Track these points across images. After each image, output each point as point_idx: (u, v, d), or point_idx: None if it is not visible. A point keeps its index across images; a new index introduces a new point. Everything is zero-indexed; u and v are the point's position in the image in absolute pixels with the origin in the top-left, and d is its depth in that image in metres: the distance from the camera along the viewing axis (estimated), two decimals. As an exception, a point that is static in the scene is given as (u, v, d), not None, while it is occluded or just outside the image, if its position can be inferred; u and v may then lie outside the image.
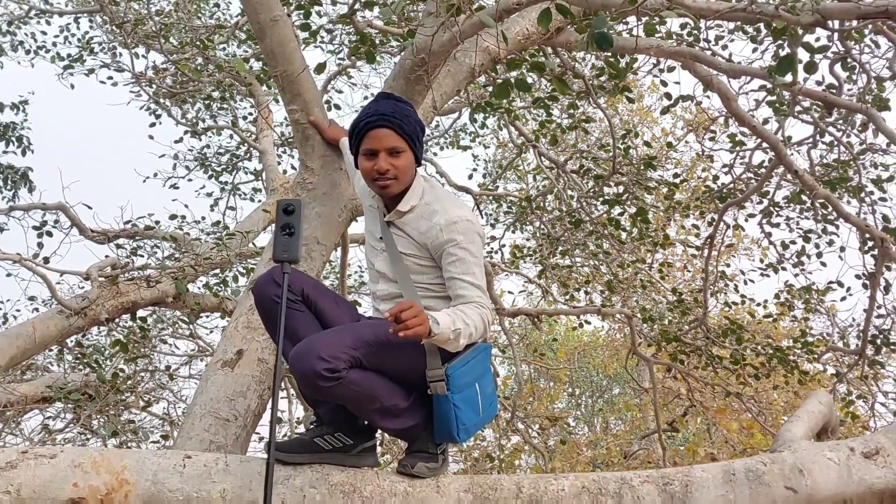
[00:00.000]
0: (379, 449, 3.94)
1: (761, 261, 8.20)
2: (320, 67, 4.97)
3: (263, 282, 2.86)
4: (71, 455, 2.69)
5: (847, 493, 2.94)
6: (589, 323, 10.42)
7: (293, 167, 9.86)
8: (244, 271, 6.95)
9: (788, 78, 4.42)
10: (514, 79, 4.03)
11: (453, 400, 2.81)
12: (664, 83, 6.42)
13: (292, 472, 2.78)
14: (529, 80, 5.98)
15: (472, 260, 2.85)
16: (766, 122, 6.25)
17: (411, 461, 2.86)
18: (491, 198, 9.90)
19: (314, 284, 2.94)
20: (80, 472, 2.65)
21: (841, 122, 6.59)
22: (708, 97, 6.72)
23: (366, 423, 2.94)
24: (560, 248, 8.47)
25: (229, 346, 3.62)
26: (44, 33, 8.91)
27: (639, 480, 2.90)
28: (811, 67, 3.97)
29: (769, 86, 5.93)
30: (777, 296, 7.57)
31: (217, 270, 7.28)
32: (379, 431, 3.02)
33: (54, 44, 8.83)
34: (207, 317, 7.74)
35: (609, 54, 5.32)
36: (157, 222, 7.16)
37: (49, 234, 6.95)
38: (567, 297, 8.86)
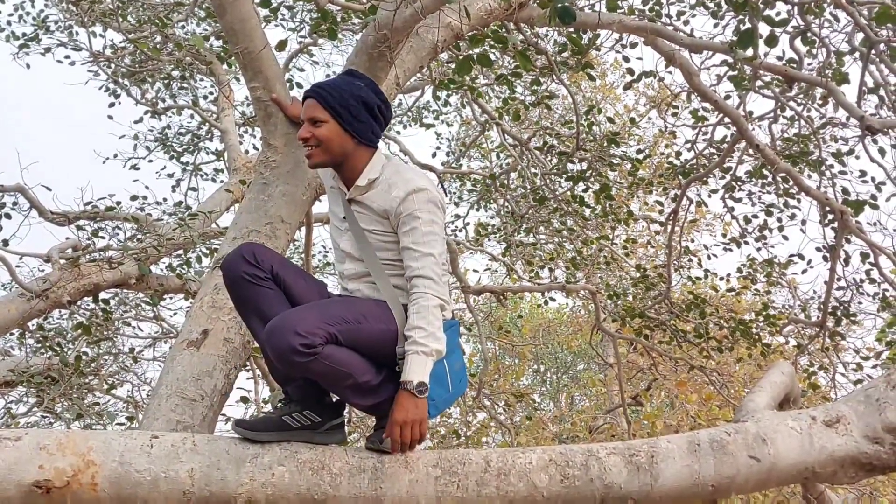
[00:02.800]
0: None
1: (724, 235, 8.29)
2: (281, 45, 4.93)
3: (232, 259, 2.85)
4: (36, 437, 2.65)
5: (808, 461, 2.99)
6: (553, 300, 10.48)
7: (255, 147, 9.79)
8: (207, 252, 6.90)
9: (749, 52, 4.46)
10: (477, 54, 4.01)
11: None
12: (626, 59, 6.43)
13: (260, 451, 2.78)
14: (492, 57, 5.96)
15: (426, 229, 2.86)
16: (727, 97, 6.29)
17: (380, 436, 2.86)
18: (455, 176, 9.90)
19: (282, 261, 2.93)
20: (46, 454, 2.62)
21: (801, 96, 6.65)
22: (670, 73, 6.77)
23: (334, 400, 2.94)
24: (524, 226, 8.49)
25: (194, 326, 3.59)
26: (-2, 12, 8.74)
27: (605, 452, 2.93)
28: (772, 41, 4.00)
29: (730, 60, 5.97)
30: (740, 269, 7.65)
31: (180, 252, 7.22)
32: (346, 409, 3.03)
33: (9, 23, 8.66)
34: (171, 298, 7.69)
35: (571, 29, 5.32)
36: (119, 203, 7.08)
37: (8, 216, 6.84)
38: (532, 274, 8.89)
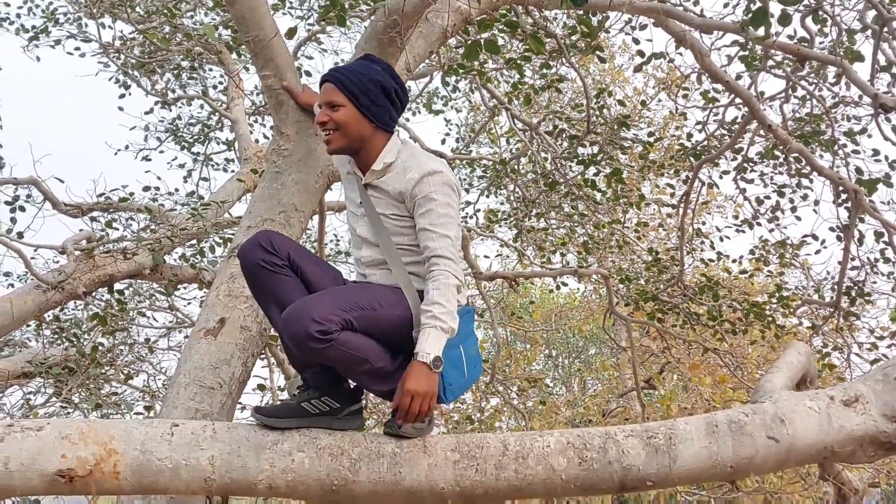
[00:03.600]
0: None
1: (735, 217, 8.26)
2: (291, 32, 4.92)
3: (249, 247, 2.87)
4: (58, 427, 2.68)
5: (827, 440, 2.99)
6: (566, 285, 10.48)
7: (265, 136, 9.81)
8: (221, 241, 6.92)
9: (762, 31, 4.44)
10: (484, 40, 4.00)
11: None
12: (636, 41, 6.40)
13: (280, 437, 2.79)
14: (500, 42, 5.95)
15: (442, 211, 2.86)
16: (738, 77, 6.26)
17: (398, 422, 2.87)
18: (464, 162, 9.88)
19: (298, 248, 2.94)
20: (68, 443, 2.64)
21: (812, 75, 6.61)
22: (680, 54, 6.75)
23: (352, 386, 2.95)
24: (535, 211, 8.48)
25: (211, 315, 3.60)
26: (7, 4, 8.73)
27: (623, 435, 2.94)
28: (784, 20, 3.98)
29: (741, 41, 5.94)
30: (752, 251, 7.63)
31: (194, 241, 7.24)
32: (364, 394, 3.04)
33: (18, 15, 8.67)
34: (185, 288, 7.71)
35: (581, 12, 5.30)
36: (132, 194, 7.10)
37: (22, 208, 6.87)
38: (543, 259, 8.88)
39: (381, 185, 2.98)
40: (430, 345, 2.76)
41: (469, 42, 4.07)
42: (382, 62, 3.06)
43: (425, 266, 2.88)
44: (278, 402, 3.08)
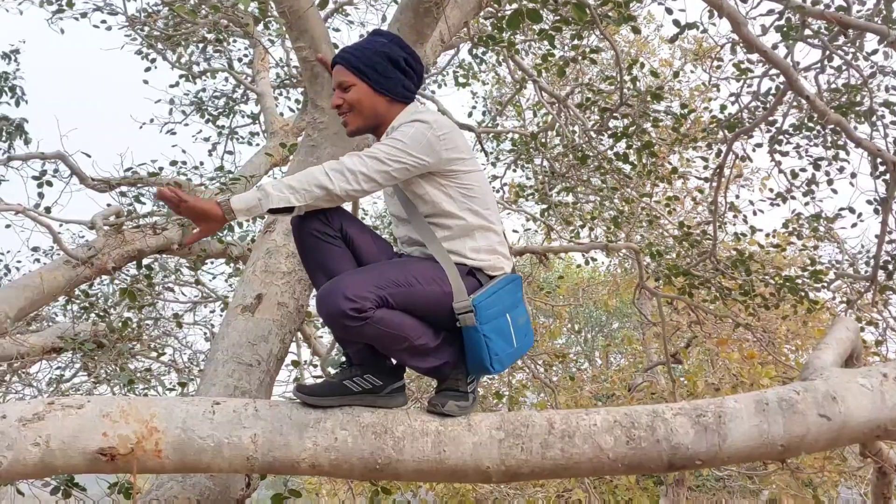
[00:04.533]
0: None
1: (765, 190, 8.11)
2: (323, 3, 4.85)
3: (303, 215, 2.81)
4: (98, 405, 2.64)
5: (881, 418, 2.91)
6: (595, 259, 10.39)
7: (291, 109, 9.74)
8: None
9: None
10: (527, 9, 3.91)
11: (483, 331, 2.77)
12: (669, 11, 6.29)
13: (322, 416, 2.75)
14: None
15: (388, 140, 2.78)
16: (775, 47, 6.14)
17: (441, 400, 2.82)
18: (491, 135, 9.78)
19: (352, 220, 2.89)
20: (109, 421, 2.61)
21: (848, 45, 6.47)
22: (714, 24, 6.62)
23: (394, 363, 2.90)
24: (563, 186, 8.38)
25: (248, 291, 3.56)
26: (31, -23, 8.68)
27: (671, 413, 2.87)
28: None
29: (777, 10, 5.82)
30: (786, 224, 7.51)
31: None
32: (407, 371, 2.99)
33: (42, -12, 8.62)
34: (212, 263, 7.69)
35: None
36: (161, 169, 7.06)
37: (49, 183, 6.85)
38: (572, 233, 8.80)
39: None
40: (240, 196, 2.70)
41: (512, 11, 3.97)
42: (389, 34, 3.00)
43: None
44: (320, 380, 3.03)
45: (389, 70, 2.90)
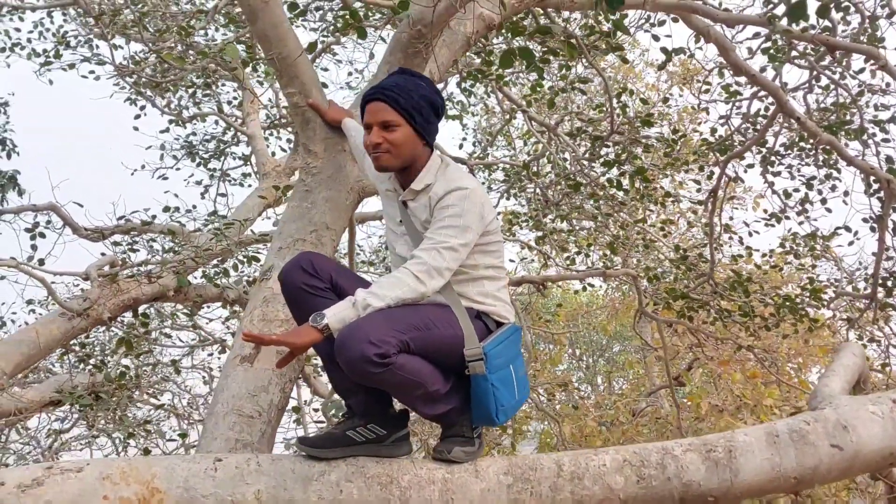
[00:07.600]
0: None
1: (758, 209, 8.09)
2: (311, 47, 4.85)
3: (290, 268, 2.78)
4: (98, 467, 2.59)
5: (894, 446, 2.88)
6: (592, 286, 10.36)
7: (282, 149, 9.73)
8: (244, 260, 6.84)
9: (786, 22, 4.32)
10: (518, 48, 3.90)
11: (491, 380, 2.73)
12: (656, 38, 6.30)
13: (327, 468, 2.70)
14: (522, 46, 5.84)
15: (449, 221, 2.75)
16: (762, 70, 6.16)
17: (447, 446, 2.78)
18: (483, 165, 9.77)
19: (340, 269, 2.84)
20: (110, 483, 2.56)
21: (835, 64, 6.49)
22: (701, 48, 6.63)
23: (397, 411, 2.86)
24: (557, 213, 8.36)
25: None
26: (17, 30, 8.68)
27: (681, 450, 2.84)
28: (824, 11, 3.86)
29: (764, 33, 5.83)
30: (782, 244, 7.50)
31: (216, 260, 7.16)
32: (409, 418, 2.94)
33: (29, 40, 8.62)
34: (208, 307, 7.64)
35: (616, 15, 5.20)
36: (154, 217, 7.03)
37: (42, 235, 6.79)
38: (568, 261, 8.77)
39: (414, 210, 2.91)
40: (335, 310, 2.62)
41: (504, 50, 3.96)
42: (423, 76, 2.96)
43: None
44: (322, 432, 2.98)
45: (432, 116, 2.89)
